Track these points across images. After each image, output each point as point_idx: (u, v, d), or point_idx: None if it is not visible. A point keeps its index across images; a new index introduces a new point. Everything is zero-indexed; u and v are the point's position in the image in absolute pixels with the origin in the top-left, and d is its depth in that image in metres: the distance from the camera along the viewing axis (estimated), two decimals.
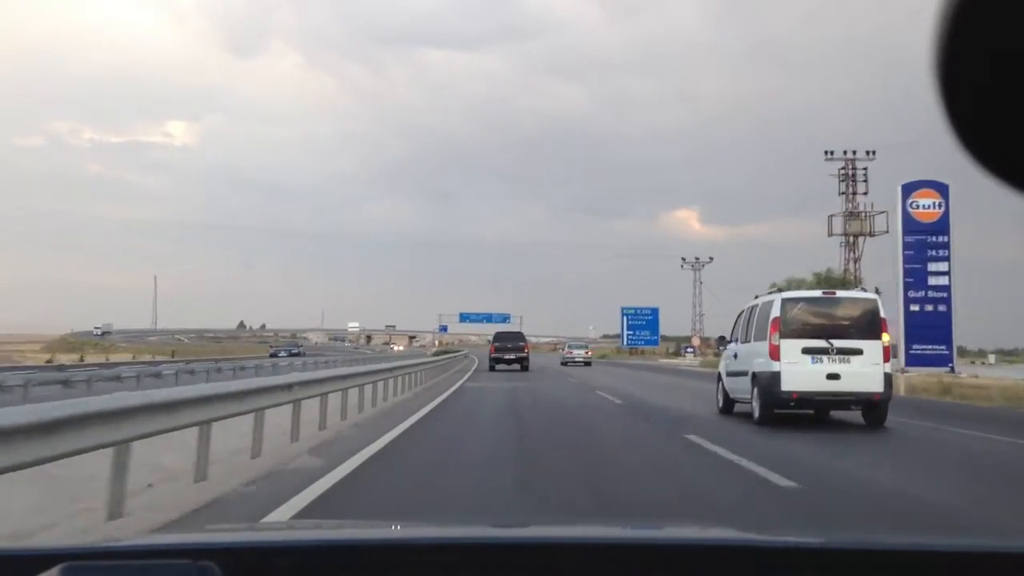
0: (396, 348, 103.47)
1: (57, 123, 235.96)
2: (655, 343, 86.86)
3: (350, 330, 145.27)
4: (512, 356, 38.16)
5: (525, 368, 37.47)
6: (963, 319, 30.69)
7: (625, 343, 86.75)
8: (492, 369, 37.36)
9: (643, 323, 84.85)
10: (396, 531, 2.00)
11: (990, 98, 0.78)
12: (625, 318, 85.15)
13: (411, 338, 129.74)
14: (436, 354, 46.46)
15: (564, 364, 48.91)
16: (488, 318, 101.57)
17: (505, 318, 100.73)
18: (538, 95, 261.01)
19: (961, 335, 32.37)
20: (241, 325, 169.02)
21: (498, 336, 40.89)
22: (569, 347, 56.60)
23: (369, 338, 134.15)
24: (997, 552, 1.50)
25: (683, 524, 3.40)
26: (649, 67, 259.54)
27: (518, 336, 40.87)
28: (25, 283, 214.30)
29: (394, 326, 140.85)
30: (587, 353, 53.16)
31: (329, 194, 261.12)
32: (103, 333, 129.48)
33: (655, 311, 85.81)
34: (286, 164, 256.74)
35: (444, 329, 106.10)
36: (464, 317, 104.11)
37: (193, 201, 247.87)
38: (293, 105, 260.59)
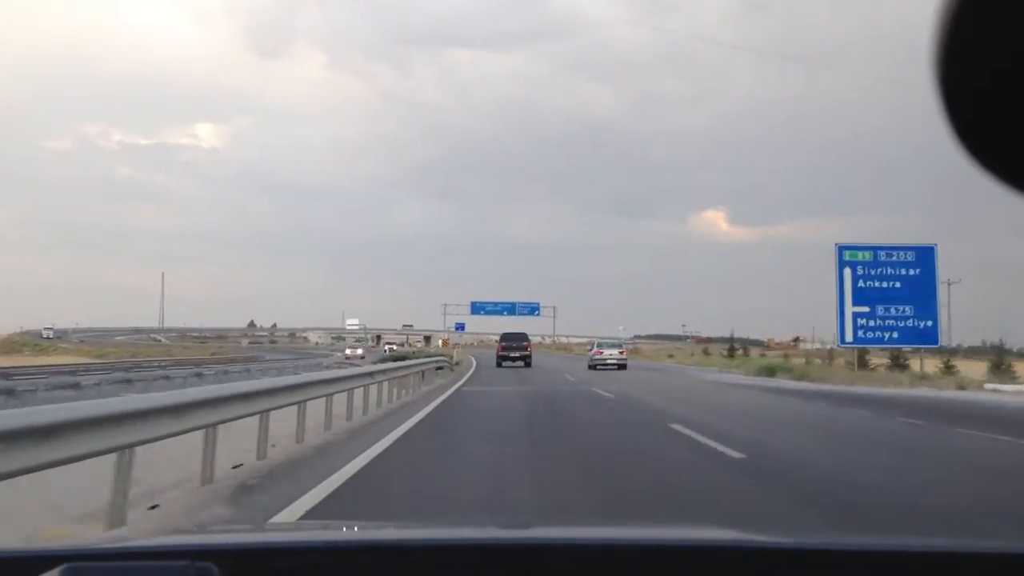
0: (355, 352, 68.36)
1: (87, 125, 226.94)
2: (932, 339, 32.07)
3: (348, 328, 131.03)
4: (516, 354, 42.99)
5: (528, 364, 41.92)
6: None
7: (850, 337, 32.07)
8: (499, 365, 41.13)
9: (897, 288, 31.37)
10: (397, 532, 1.99)
11: (990, 98, 0.77)
12: (849, 271, 31.68)
13: (427, 338, 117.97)
14: (388, 360, 26.74)
15: (592, 368, 39.12)
16: (510, 309, 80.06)
17: (533, 309, 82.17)
18: (565, 95, 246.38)
19: None
20: (251, 324, 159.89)
21: (505, 336, 46.19)
22: (598, 346, 44.38)
23: (379, 338, 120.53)
24: (997, 553, 1.48)
25: (684, 525, 3.39)
26: (677, 66, 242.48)
27: (522, 336, 46.11)
28: (34, 284, 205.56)
29: (411, 325, 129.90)
30: (622, 353, 43.08)
31: (353, 195, 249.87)
32: (53, 333, 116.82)
33: (928, 253, 31.55)
34: (311, 165, 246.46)
35: (461, 327, 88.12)
36: (478, 308, 79.76)
37: (214, 202, 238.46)
38: (319, 106, 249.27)
